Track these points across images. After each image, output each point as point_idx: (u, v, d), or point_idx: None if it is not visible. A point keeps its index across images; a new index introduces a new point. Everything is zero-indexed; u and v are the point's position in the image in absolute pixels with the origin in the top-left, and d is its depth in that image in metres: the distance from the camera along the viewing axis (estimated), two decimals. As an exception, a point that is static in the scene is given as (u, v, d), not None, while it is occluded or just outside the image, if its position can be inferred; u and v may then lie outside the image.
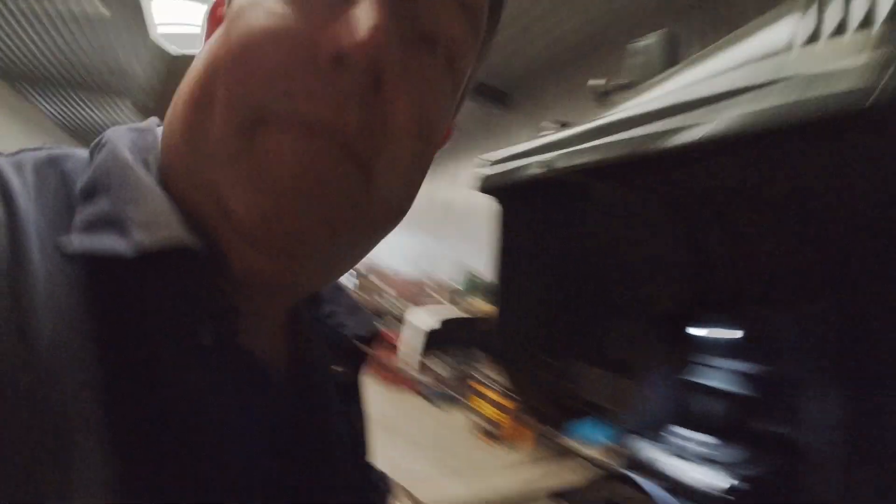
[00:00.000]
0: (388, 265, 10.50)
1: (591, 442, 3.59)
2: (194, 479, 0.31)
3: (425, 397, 7.05)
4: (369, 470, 0.57)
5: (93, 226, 0.32)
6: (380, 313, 7.70)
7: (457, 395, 6.79)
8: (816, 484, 1.18)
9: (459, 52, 0.39)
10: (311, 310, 0.50)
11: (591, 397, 1.85)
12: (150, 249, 0.31)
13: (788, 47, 0.90)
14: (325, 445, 0.47)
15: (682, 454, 1.34)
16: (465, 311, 8.16)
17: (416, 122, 0.36)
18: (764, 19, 1.06)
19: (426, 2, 0.36)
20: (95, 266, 0.31)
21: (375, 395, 6.14)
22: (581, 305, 1.63)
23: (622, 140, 0.85)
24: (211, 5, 0.41)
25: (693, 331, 1.31)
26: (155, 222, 0.32)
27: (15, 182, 0.33)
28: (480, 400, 5.83)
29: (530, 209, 1.46)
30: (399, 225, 0.41)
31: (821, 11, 0.92)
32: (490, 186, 1.42)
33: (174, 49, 4.67)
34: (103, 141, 0.38)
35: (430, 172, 0.42)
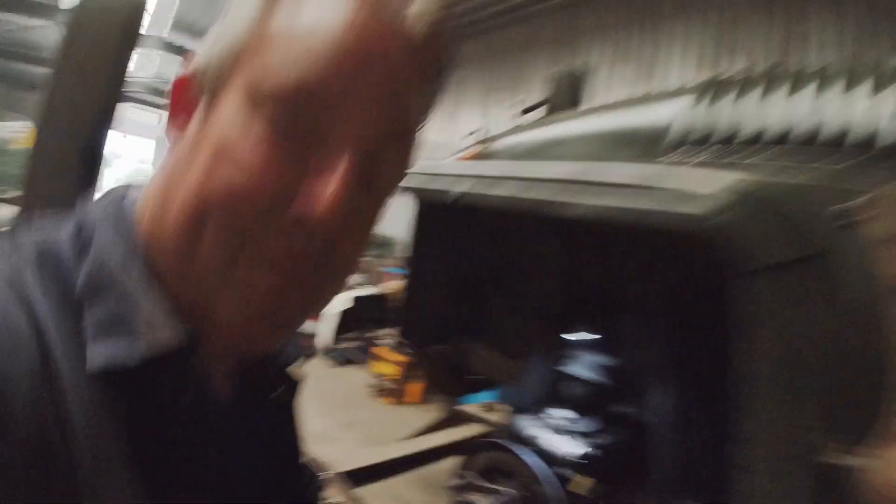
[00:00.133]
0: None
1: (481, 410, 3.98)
2: (204, 495, 0.45)
3: (328, 359, 7.20)
4: (302, 476, 0.68)
5: (101, 333, 0.40)
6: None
7: (355, 357, 7.01)
8: (654, 449, 1.49)
9: (399, 180, 0.47)
10: None
11: (482, 373, 2.11)
12: (152, 356, 0.40)
13: (667, 129, 1.13)
14: (265, 464, 0.56)
15: (551, 427, 1.59)
16: (370, 270, 8.21)
17: (355, 252, 0.46)
18: (657, 95, 1.28)
19: (381, 160, 0.44)
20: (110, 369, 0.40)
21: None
22: (479, 298, 1.85)
23: (524, 199, 1.04)
24: (177, 84, 0.47)
25: (565, 331, 1.56)
26: (152, 326, 0.41)
27: (32, 291, 0.40)
28: (380, 362, 6.11)
29: (443, 213, 1.63)
30: None
31: (702, 110, 1.15)
32: (409, 189, 1.56)
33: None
34: (87, 232, 0.45)
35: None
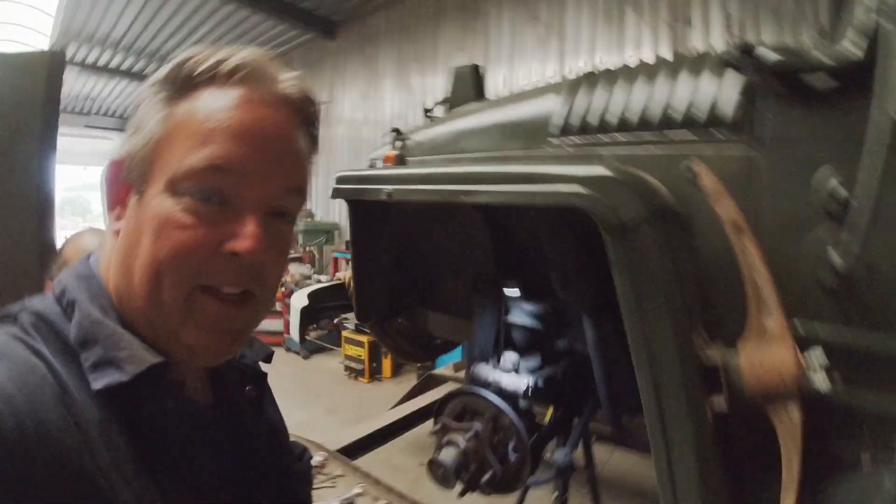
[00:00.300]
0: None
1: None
2: (199, 493, 0.55)
3: (291, 350, 7.28)
4: (290, 453, 0.79)
5: (98, 367, 0.51)
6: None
7: (325, 345, 7.13)
8: (587, 374, 1.74)
9: (297, 212, 0.62)
10: None
11: (441, 336, 2.35)
12: (139, 373, 0.51)
13: (546, 125, 1.39)
14: (250, 448, 0.66)
15: (504, 369, 1.82)
16: (307, 258, 8.13)
17: (279, 269, 0.60)
18: (539, 90, 1.53)
19: (279, 205, 0.57)
20: (109, 390, 0.50)
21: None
22: (422, 270, 2.08)
23: (438, 190, 1.29)
24: (110, 168, 0.59)
25: (505, 288, 1.83)
26: (133, 356, 0.52)
27: (39, 346, 0.50)
28: (347, 345, 6.32)
29: (375, 211, 1.83)
30: None
31: (571, 102, 1.40)
32: (341, 196, 1.76)
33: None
34: (69, 297, 0.56)
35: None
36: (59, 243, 1.65)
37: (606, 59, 5.56)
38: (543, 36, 6.20)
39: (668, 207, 1.15)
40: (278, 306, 7.12)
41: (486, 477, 1.67)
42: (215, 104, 0.54)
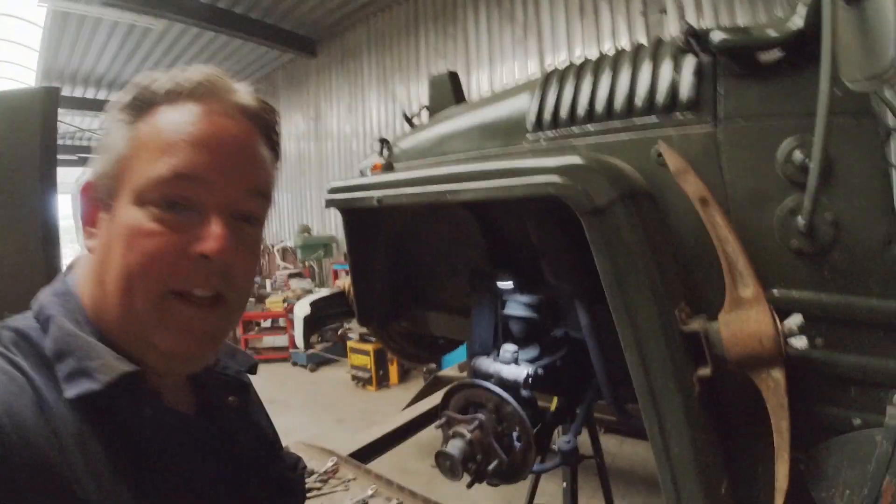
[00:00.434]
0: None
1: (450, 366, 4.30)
2: (181, 502, 0.56)
3: (297, 364, 7.30)
4: (281, 462, 0.78)
5: (72, 377, 0.52)
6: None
7: (331, 356, 7.17)
8: (586, 361, 1.76)
9: (264, 214, 0.64)
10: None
11: (443, 336, 2.39)
12: (110, 382, 0.51)
13: (522, 122, 1.45)
14: (236, 458, 0.66)
15: (503, 360, 1.85)
16: (306, 269, 8.13)
17: (249, 271, 0.61)
18: (512, 90, 1.59)
19: (243, 208, 0.60)
20: (83, 398, 0.51)
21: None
22: (419, 271, 2.12)
23: (424, 192, 1.35)
24: (81, 190, 0.61)
25: (499, 282, 1.87)
26: (106, 365, 0.52)
27: (19, 360, 0.52)
28: (353, 355, 6.36)
29: (367, 213, 1.87)
30: None
31: (542, 99, 1.46)
32: (334, 205, 1.81)
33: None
34: (45, 313, 0.57)
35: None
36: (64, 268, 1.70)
37: (585, 53, 5.64)
38: (521, 36, 6.28)
39: (638, 188, 1.20)
40: (282, 322, 7.15)
41: (493, 465, 1.71)
42: (176, 119, 0.57)
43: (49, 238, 1.98)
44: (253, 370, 0.77)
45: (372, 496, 2.10)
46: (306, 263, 8.57)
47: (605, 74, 1.38)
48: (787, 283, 1.16)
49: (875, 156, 1.06)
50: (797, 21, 1.06)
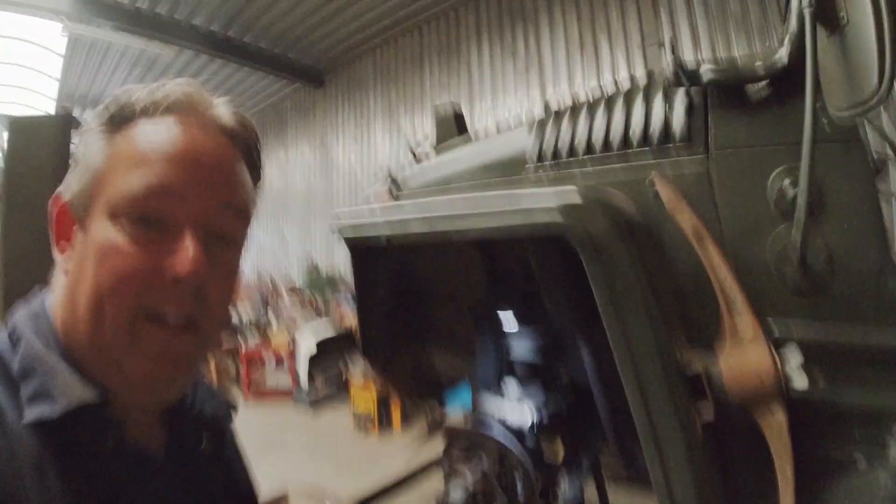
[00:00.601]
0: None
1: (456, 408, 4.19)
2: None
3: (298, 402, 7.15)
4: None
5: (33, 400, 0.51)
6: (238, 330, 7.51)
7: (334, 400, 7.04)
8: (594, 408, 1.68)
9: (241, 235, 0.62)
10: (181, 399, 0.67)
11: (442, 370, 2.36)
12: (68, 409, 0.50)
13: (522, 156, 1.47)
14: (207, 497, 0.64)
15: (507, 404, 1.80)
16: (313, 306, 8.05)
17: (224, 295, 0.59)
18: (514, 131, 1.63)
19: (218, 225, 0.57)
20: (41, 423, 0.50)
21: (250, 415, 6.10)
22: (424, 309, 2.12)
23: (433, 230, 1.36)
24: (54, 204, 0.59)
25: (503, 324, 1.85)
26: (67, 390, 0.51)
27: None
28: (355, 399, 6.23)
29: (373, 249, 1.88)
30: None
31: (541, 139, 1.48)
32: (343, 237, 1.82)
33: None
34: (17, 332, 0.56)
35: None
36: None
37: (585, 85, 5.73)
38: (523, 69, 6.40)
39: (635, 222, 1.21)
40: (285, 364, 7.04)
41: (495, 515, 1.66)
42: (150, 132, 0.56)
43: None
44: (229, 416, 0.74)
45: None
46: (314, 304, 8.51)
47: (600, 113, 1.39)
48: (782, 313, 1.13)
49: (866, 183, 1.07)
50: (783, 53, 1.07)
